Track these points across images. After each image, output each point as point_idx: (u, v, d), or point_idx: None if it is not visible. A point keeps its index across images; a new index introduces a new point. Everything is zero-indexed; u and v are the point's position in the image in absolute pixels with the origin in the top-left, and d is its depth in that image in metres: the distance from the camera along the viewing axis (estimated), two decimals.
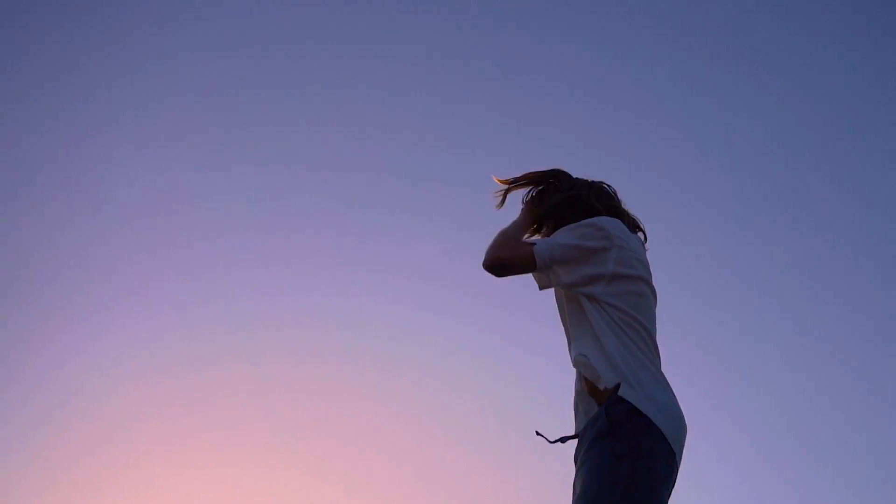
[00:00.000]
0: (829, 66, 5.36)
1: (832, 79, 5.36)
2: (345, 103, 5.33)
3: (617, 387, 1.72)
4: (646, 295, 1.86)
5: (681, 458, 1.74)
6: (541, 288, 1.94)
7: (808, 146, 5.41)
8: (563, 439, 1.83)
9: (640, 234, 2.01)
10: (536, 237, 2.03)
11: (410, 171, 5.29)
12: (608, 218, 1.90)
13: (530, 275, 1.94)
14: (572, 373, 1.91)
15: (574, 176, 2.05)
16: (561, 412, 1.95)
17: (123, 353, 4.99)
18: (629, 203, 2.04)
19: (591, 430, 1.72)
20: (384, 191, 5.27)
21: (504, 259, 1.83)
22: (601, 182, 2.04)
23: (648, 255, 1.95)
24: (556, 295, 1.96)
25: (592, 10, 5.36)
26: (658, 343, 1.86)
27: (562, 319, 1.95)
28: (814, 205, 5.38)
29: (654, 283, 1.91)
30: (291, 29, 5.35)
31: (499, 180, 2.05)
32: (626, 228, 1.92)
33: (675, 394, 1.80)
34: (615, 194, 2.04)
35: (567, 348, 1.92)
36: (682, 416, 1.76)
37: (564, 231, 1.87)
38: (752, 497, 4.85)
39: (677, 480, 1.75)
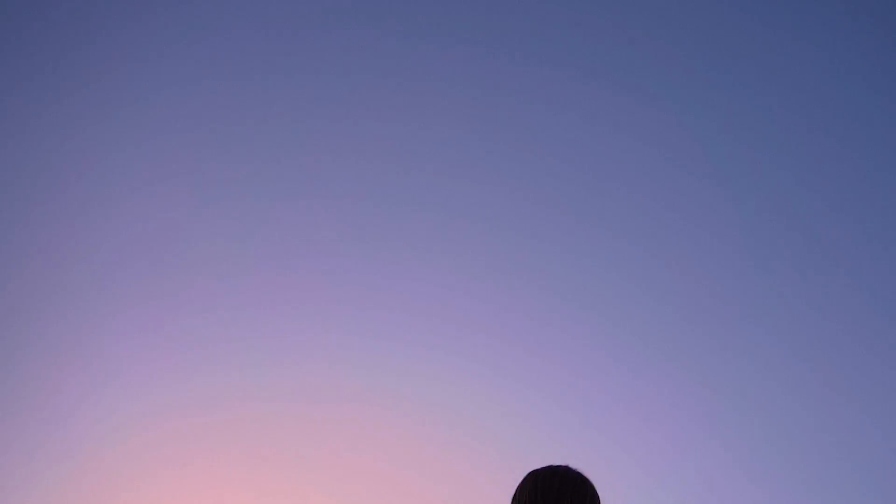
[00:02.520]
0: (829, 66, 5.38)
1: (831, 79, 5.38)
2: (346, 132, 5.35)
3: None
4: None
5: None
6: None
7: (803, 146, 5.43)
8: None
9: None
10: None
11: (422, 204, 5.31)
12: None
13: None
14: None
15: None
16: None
17: (128, 395, 5.00)
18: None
19: None
20: (392, 222, 5.29)
21: None
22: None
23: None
24: None
25: (586, 8, 5.37)
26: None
27: None
28: (808, 207, 5.40)
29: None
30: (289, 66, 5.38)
31: None
32: None
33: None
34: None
35: None
36: None
37: None
38: (744, 497, 4.87)
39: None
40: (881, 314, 5.22)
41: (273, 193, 5.29)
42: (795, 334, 5.30)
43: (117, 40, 5.19)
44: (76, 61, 5.18)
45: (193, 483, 4.90)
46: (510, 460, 4.80)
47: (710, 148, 5.44)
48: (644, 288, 5.33)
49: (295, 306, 5.24)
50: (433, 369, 4.98)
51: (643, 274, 5.35)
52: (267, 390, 5.00)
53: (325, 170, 5.31)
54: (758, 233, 5.40)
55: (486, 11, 5.36)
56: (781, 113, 5.40)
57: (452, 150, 5.38)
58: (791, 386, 5.18)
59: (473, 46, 5.38)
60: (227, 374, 5.02)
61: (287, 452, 4.91)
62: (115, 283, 5.17)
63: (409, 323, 5.13)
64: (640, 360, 5.14)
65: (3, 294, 5.11)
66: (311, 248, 5.29)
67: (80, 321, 5.14)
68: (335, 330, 5.13)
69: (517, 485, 1.86)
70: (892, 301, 5.20)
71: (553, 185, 5.43)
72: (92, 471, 4.87)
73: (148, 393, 4.98)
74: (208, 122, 5.29)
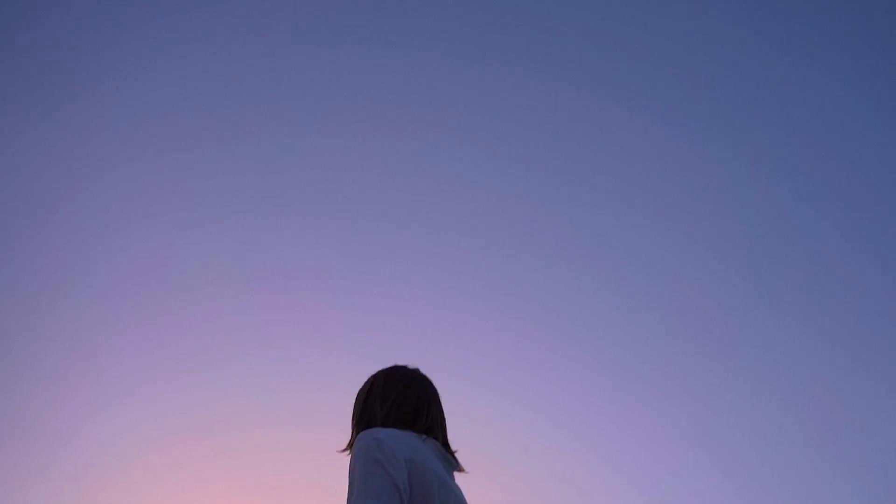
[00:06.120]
0: (832, 63, 5.41)
1: (835, 76, 5.41)
2: (350, 155, 5.37)
3: None
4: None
5: None
6: None
7: (805, 146, 5.46)
8: None
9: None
10: None
11: (417, 222, 5.32)
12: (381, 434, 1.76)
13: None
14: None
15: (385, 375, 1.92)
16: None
17: (129, 419, 5.00)
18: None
19: None
20: (388, 243, 5.30)
21: None
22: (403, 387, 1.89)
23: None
24: None
25: (588, 7, 5.39)
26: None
27: None
28: (813, 205, 5.43)
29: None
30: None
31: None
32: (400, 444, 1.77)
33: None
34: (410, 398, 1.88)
35: None
36: None
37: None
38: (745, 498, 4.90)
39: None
40: (873, 321, 5.26)
41: (272, 207, 5.31)
42: (786, 342, 5.34)
43: (118, 52, 5.23)
44: (84, 69, 5.21)
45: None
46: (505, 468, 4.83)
47: (700, 155, 5.48)
48: (634, 297, 5.37)
49: (303, 324, 5.26)
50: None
51: (633, 282, 5.38)
52: (276, 411, 5.01)
53: (325, 182, 5.34)
54: (747, 242, 5.44)
55: (479, 22, 5.40)
56: (774, 121, 5.44)
57: (444, 162, 5.42)
58: (780, 393, 5.22)
59: (466, 58, 5.43)
60: (238, 395, 5.03)
61: (294, 475, 4.92)
62: (123, 300, 5.19)
63: (407, 341, 5.15)
64: (631, 367, 5.18)
65: (13, 309, 5.14)
66: (315, 265, 5.32)
67: (88, 338, 5.15)
68: (343, 349, 5.15)
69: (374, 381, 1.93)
70: (884, 309, 5.24)
71: (544, 196, 5.47)
72: (99, 490, 4.89)
73: (155, 413, 4.99)
74: (212, 134, 5.32)
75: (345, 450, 1.86)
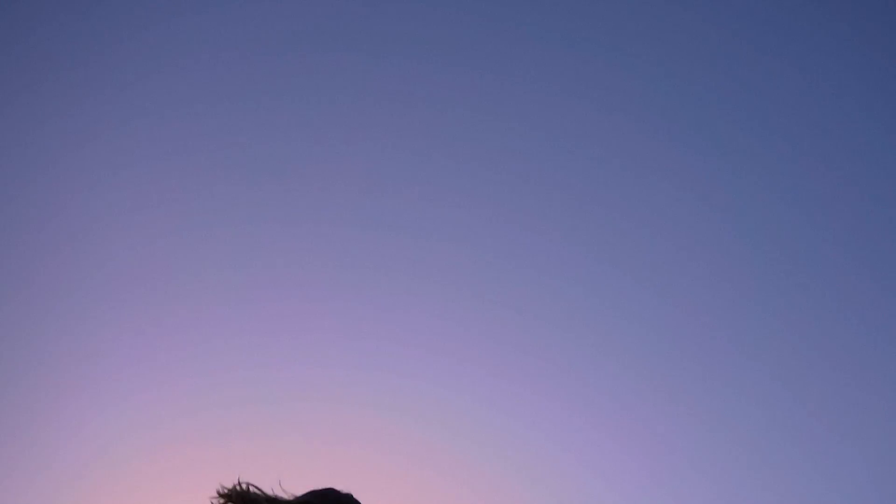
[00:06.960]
0: (827, 66, 5.42)
1: (831, 80, 5.42)
2: (357, 162, 5.37)
3: None
4: None
5: None
6: None
7: (805, 148, 5.46)
8: None
9: None
10: None
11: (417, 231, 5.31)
12: None
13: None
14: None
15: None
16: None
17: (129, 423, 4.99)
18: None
19: None
20: (392, 253, 5.29)
21: None
22: None
23: None
24: None
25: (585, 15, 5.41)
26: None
27: None
28: (808, 209, 5.43)
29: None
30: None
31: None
32: None
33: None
34: None
35: None
36: None
37: None
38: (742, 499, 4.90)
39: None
40: (866, 327, 5.27)
41: (264, 217, 5.31)
42: (777, 348, 5.35)
43: (118, 54, 5.24)
44: (85, 71, 5.22)
45: None
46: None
47: (692, 159, 5.49)
48: (623, 302, 5.38)
49: (299, 334, 5.25)
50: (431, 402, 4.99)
51: (622, 287, 5.39)
52: (276, 417, 5.00)
53: (328, 186, 5.34)
54: (738, 247, 5.44)
55: (475, 28, 5.41)
56: (768, 125, 5.45)
57: (440, 168, 5.43)
58: (771, 400, 5.23)
59: (462, 65, 5.44)
60: (238, 400, 5.02)
61: (294, 480, 4.89)
62: (123, 302, 5.19)
63: (404, 353, 5.14)
64: (620, 373, 5.18)
65: (13, 309, 5.14)
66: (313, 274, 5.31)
67: (83, 341, 5.15)
68: (341, 356, 5.14)
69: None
70: (876, 315, 5.24)
71: (535, 199, 5.48)
72: (98, 492, 4.88)
73: (155, 416, 4.98)
74: (213, 139, 5.32)
75: None
